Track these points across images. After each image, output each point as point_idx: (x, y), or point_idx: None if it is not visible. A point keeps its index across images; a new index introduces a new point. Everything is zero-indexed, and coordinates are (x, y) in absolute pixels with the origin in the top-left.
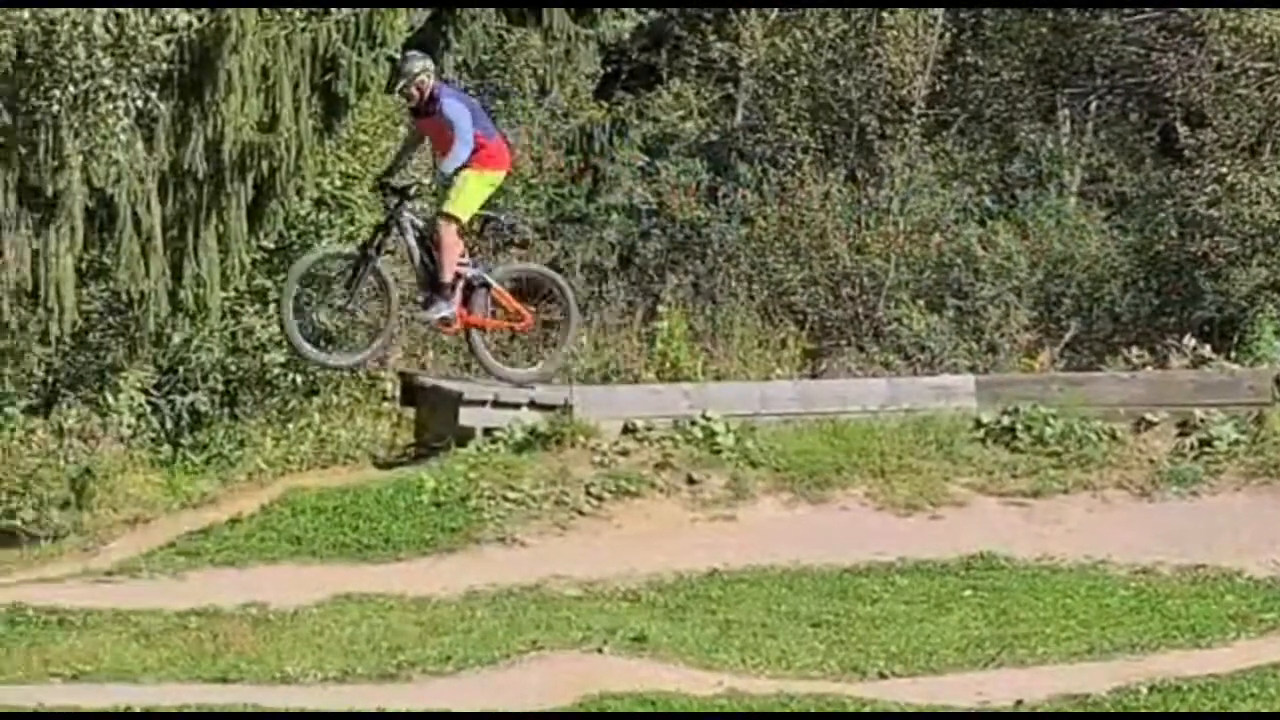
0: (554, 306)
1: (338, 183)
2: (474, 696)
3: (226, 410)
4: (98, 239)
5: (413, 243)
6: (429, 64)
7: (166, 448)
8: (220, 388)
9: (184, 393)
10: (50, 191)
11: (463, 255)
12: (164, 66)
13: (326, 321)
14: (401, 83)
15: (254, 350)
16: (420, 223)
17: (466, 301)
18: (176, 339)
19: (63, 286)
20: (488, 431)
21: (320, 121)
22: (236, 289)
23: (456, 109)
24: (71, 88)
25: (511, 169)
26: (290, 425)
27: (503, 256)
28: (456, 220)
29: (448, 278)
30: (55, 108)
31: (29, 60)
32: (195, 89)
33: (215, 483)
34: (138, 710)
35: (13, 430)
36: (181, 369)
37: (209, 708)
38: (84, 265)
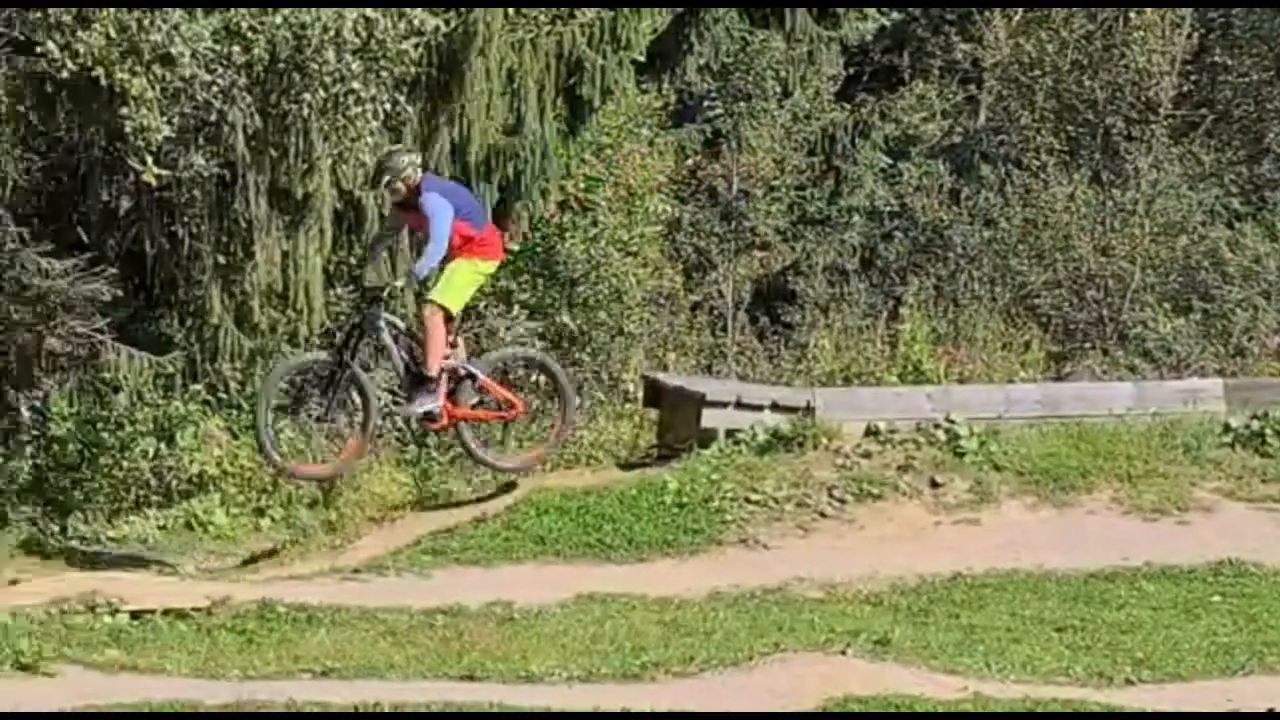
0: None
1: (581, 185)
2: (717, 698)
3: None
4: (346, 241)
5: (389, 342)
6: (415, 158)
7: (412, 447)
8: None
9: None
10: (300, 194)
11: (447, 346)
12: (412, 70)
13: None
14: (385, 178)
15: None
16: (398, 323)
17: (453, 394)
18: None
19: (312, 288)
20: (730, 433)
21: (564, 124)
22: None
23: (436, 205)
24: (321, 91)
25: (505, 257)
26: (533, 426)
27: (744, 258)
28: (444, 310)
29: (433, 370)
30: (305, 111)
31: (280, 64)
32: (442, 92)
33: (460, 482)
34: (386, 707)
35: None
36: None
37: (455, 706)
38: (331, 267)
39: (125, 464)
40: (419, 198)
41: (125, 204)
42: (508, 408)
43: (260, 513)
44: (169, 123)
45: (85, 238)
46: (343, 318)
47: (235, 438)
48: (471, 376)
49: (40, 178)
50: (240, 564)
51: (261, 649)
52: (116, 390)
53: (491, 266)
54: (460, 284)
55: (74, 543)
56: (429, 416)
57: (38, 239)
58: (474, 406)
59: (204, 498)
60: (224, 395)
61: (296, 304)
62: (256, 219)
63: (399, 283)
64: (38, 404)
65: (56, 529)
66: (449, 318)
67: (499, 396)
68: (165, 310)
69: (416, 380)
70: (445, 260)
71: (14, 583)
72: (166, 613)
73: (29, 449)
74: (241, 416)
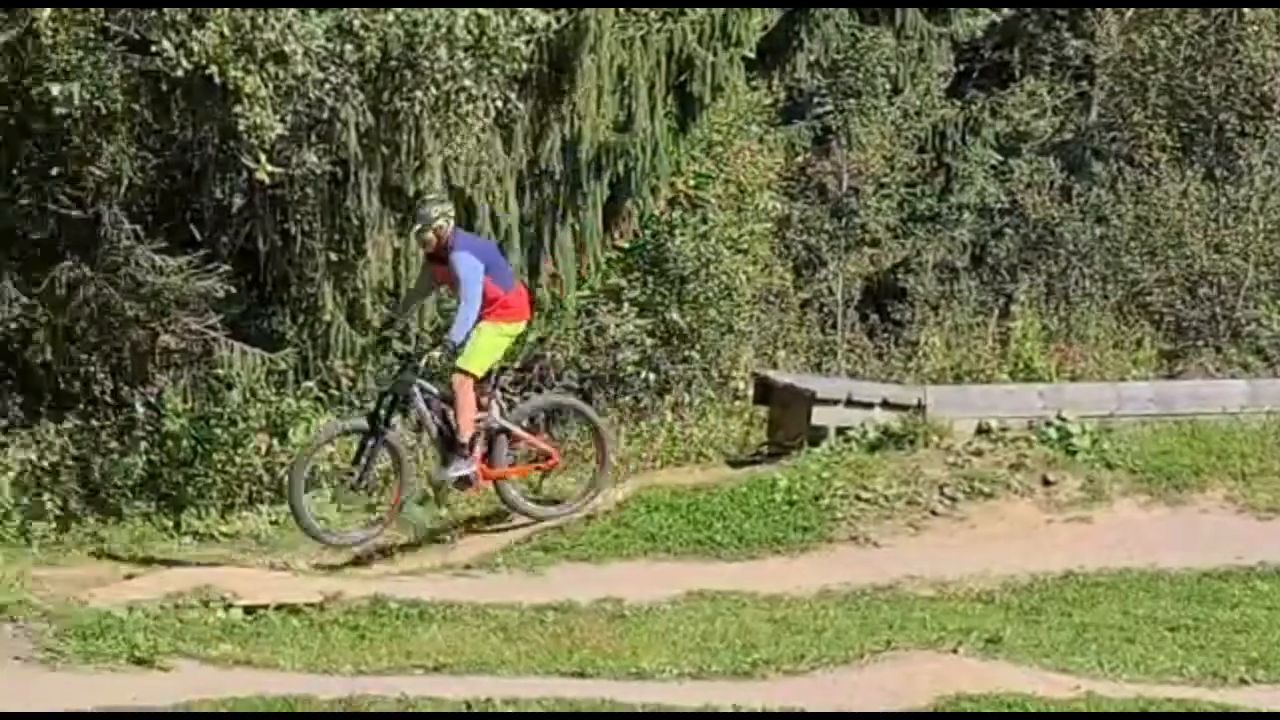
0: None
1: (691, 182)
2: (828, 695)
3: None
4: None
5: (423, 408)
6: (448, 209)
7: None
8: (575, 385)
9: (539, 390)
10: (411, 191)
11: (479, 409)
12: (523, 67)
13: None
14: (417, 227)
15: (607, 349)
16: (432, 388)
17: (488, 453)
18: (532, 337)
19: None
20: (841, 431)
21: (675, 121)
22: (591, 288)
23: (468, 265)
24: (433, 89)
25: (532, 317)
26: (643, 423)
27: (853, 255)
28: (471, 376)
29: (466, 437)
30: (417, 109)
31: (392, 62)
32: (553, 89)
33: (569, 480)
34: (498, 703)
35: None
36: (537, 367)
37: (566, 702)
38: None
39: (238, 460)
40: (450, 253)
41: (238, 201)
42: (544, 459)
43: (371, 509)
44: (282, 120)
45: (198, 235)
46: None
47: (346, 434)
48: (505, 432)
49: (154, 176)
50: (352, 560)
51: (374, 644)
52: (229, 386)
53: (518, 328)
54: (485, 348)
55: (187, 538)
56: (464, 481)
57: (152, 236)
58: (510, 462)
59: (316, 494)
60: (335, 392)
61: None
62: (368, 216)
63: (435, 353)
64: (152, 400)
65: (170, 524)
66: (478, 381)
67: (535, 448)
68: (278, 307)
69: (451, 444)
70: (476, 321)
71: (129, 577)
72: (279, 608)
73: (143, 445)
74: (353, 413)
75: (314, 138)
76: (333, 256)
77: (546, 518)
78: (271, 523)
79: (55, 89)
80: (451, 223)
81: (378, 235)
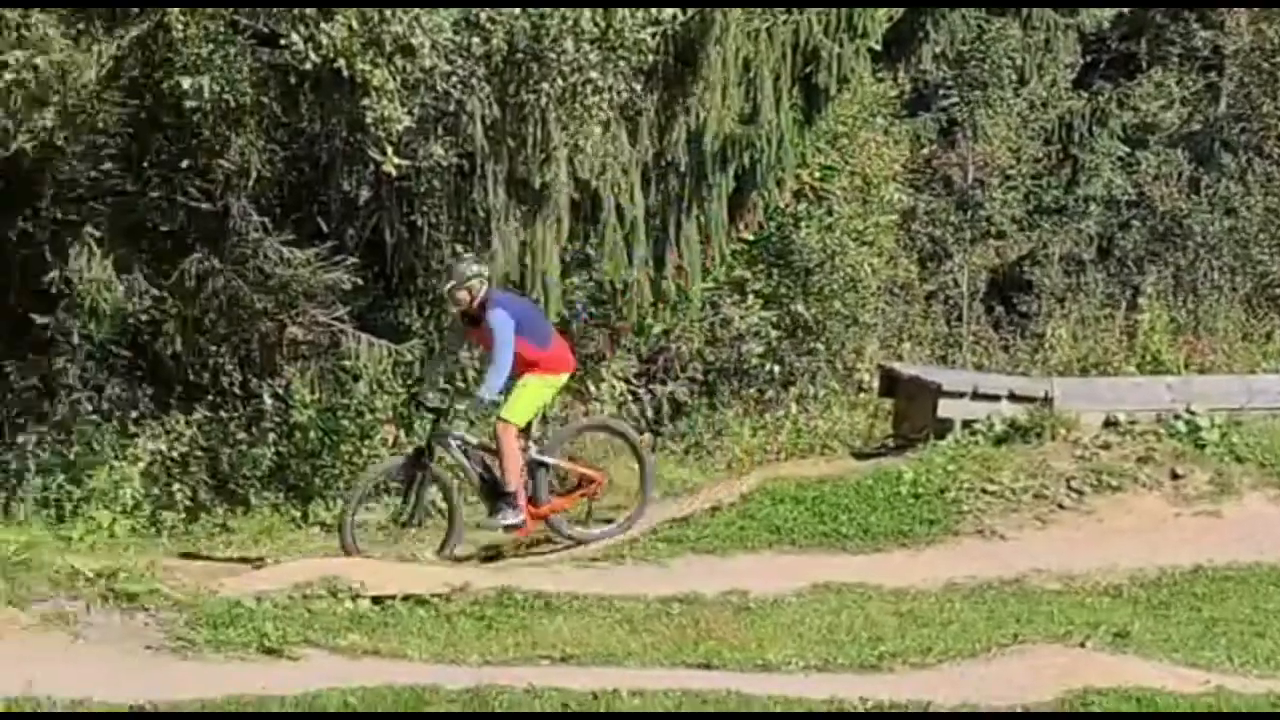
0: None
1: (816, 175)
2: (955, 689)
3: (705, 400)
4: (581, 230)
5: (462, 459)
6: (483, 269)
7: (647, 436)
8: (699, 377)
9: (664, 382)
10: (537, 184)
11: (522, 455)
12: (649, 59)
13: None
14: (450, 284)
15: (732, 341)
16: (469, 438)
17: (531, 488)
18: (657, 329)
19: (549, 277)
20: (966, 423)
21: (800, 113)
22: (715, 280)
23: (501, 326)
24: (559, 81)
25: (575, 367)
26: (767, 415)
27: (979, 247)
28: (514, 425)
29: (512, 487)
30: (543, 101)
31: (519, 54)
32: (679, 81)
33: (694, 471)
34: (624, 694)
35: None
36: (661, 358)
37: (693, 694)
38: (568, 256)
39: (365, 451)
40: (485, 312)
41: (365, 194)
42: (587, 484)
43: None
44: (409, 113)
45: (326, 227)
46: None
47: (472, 425)
48: (544, 465)
49: (282, 168)
50: (479, 551)
51: (500, 635)
52: (356, 378)
53: (563, 379)
54: (530, 398)
55: (315, 528)
56: (513, 528)
57: (280, 229)
58: (553, 494)
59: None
60: (462, 384)
61: (533, 292)
62: (494, 208)
63: (461, 405)
64: (280, 391)
65: (298, 515)
66: (521, 430)
67: (577, 475)
68: (404, 299)
69: (495, 490)
70: (515, 376)
71: (258, 567)
72: (406, 598)
73: (271, 436)
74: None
75: (440, 130)
76: (458, 248)
77: (590, 540)
78: (398, 513)
79: (186, 82)
80: (486, 283)
81: (503, 227)
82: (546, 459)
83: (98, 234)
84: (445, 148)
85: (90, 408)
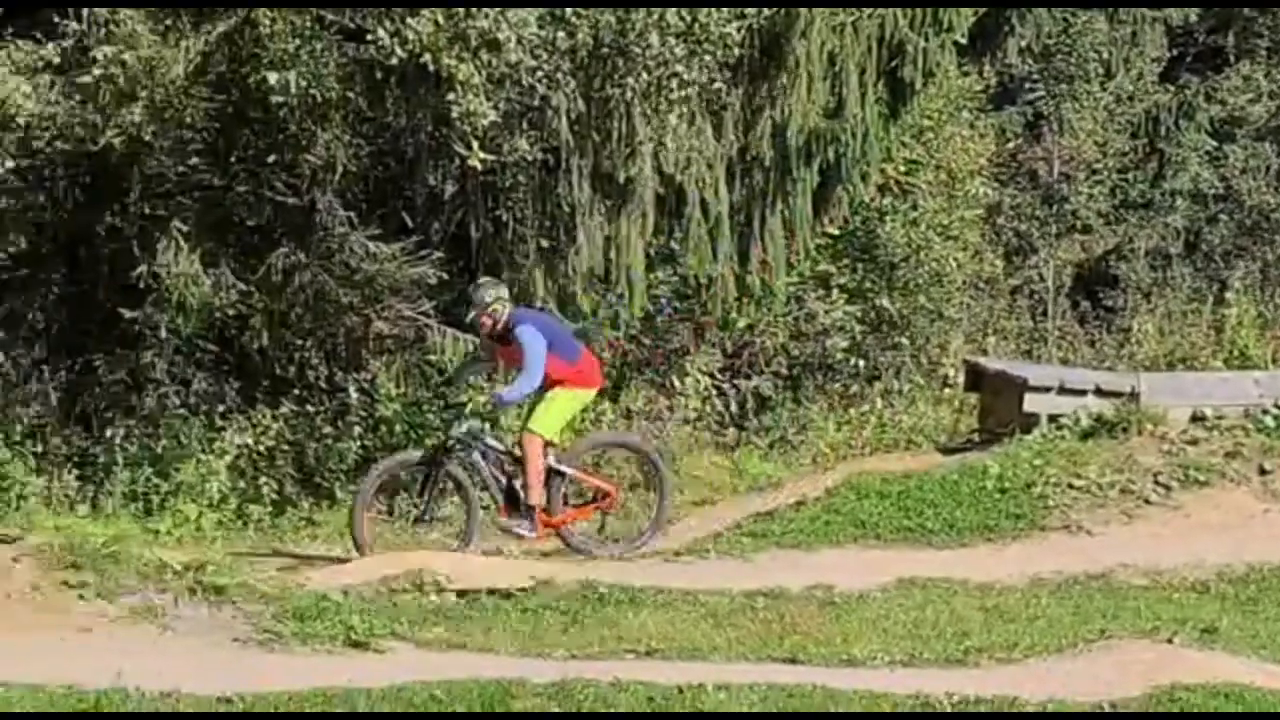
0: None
1: (901, 168)
2: (1042, 684)
3: (789, 394)
4: (666, 224)
5: (480, 461)
6: (502, 292)
7: (731, 431)
8: (784, 372)
9: (748, 377)
10: (622, 178)
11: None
12: (734, 53)
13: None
14: (472, 313)
15: (816, 335)
16: (494, 443)
17: (546, 496)
18: (741, 323)
19: (633, 271)
20: (1053, 418)
21: (885, 107)
22: (800, 274)
23: (531, 339)
24: (644, 75)
25: (603, 384)
26: (852, 410)
27: (1065, 242)
28: (541, 437)
29: (534, 500)
30: (628, 95)
31: (604, 49)
32: (763, 75)
33: (779, 466)
34: (710, 688)
35: (584, 411)
36: (746, 353)
37: (778, 687)
38: (652, 250)
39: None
40: (511, 331)
41: (450, 188)
42: (601, 497)
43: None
44: (494, 107)
45: (411, 222)
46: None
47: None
48: (560, 474)
49: (368, 163)
50: (563, 546)
51: (585, 629)
52: (441, 372)
53: (590, 395)
54: (559, 412)
55: (399, 522)
56: (522, 536)
57: (365, 223)
58: (566, 506)
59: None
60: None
61: (618, 287)
62: (579, 202)
63: (482, 398)
64: (365, 385)
65: (383, 508)
66: (547, 443)
67: (592, 487)
68: None
69: (513, 496)
70: (545, 389)
71: (343, 561)
72: (491, 592)
73: (357, 430)
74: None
75: (525, 124)
76: (543, 243)
77: (601, 555)
78: (483, 508)
79: (272, 77)
80: (508, 306)
81: (588, 221)
82: (564, 468)
83: (185, 229)
84: (530, 142)
85: (177, 402)
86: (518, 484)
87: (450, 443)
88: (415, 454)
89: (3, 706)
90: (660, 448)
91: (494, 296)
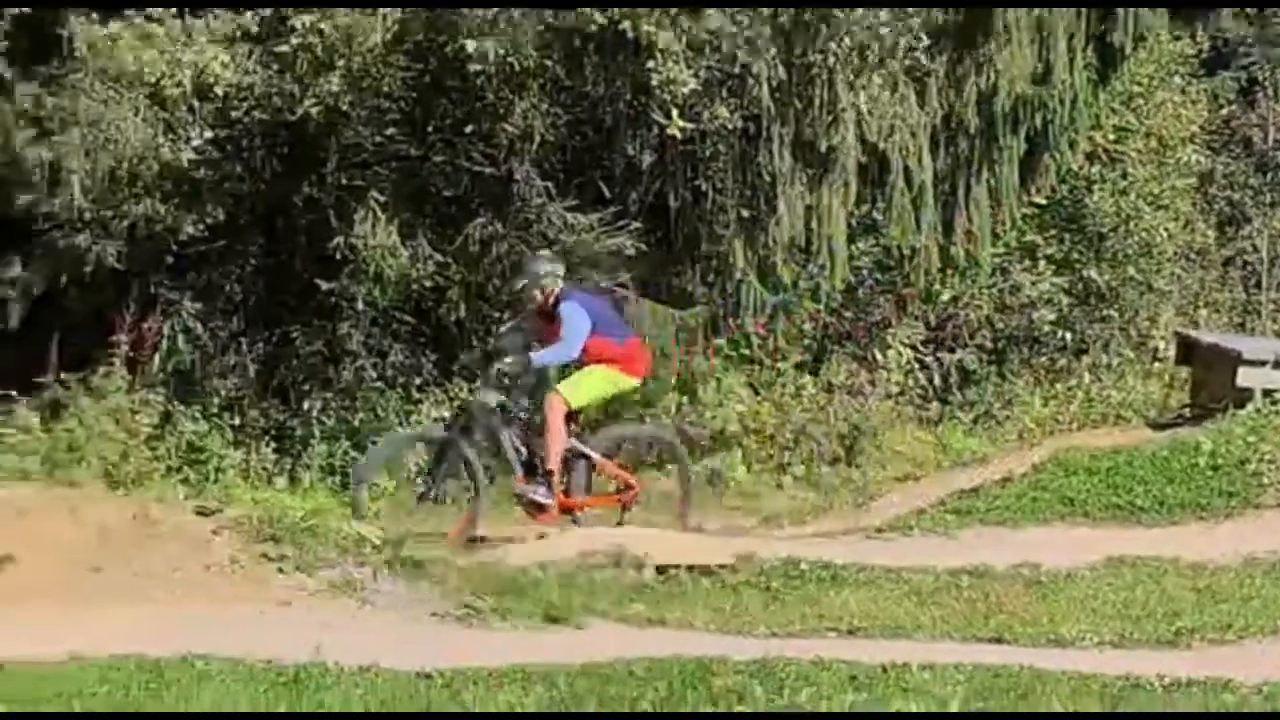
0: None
1: (1110, 136)
2: (1257, 666)
3: (994, 368)
4: (868, 194)
5: (498, 425)
6: (557, 267)
7: (934, 405)
8: (989, 345)
9: (952, 350)
10: (824, 147)
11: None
12: (939, 18)
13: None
14: (523, 283)
15: (1022, 308)
16: (513, 408)
17: (566, 479)
18: (945, 295)
19: (835, 242)
20: (1268, 393)
21: (1094, 73)
22: (1006, 245)
23: (573, 312)
24: (848, 40)
25: (647, 375)
26: (1058, 384)
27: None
28: (567, 404)
29: (553, 464)
30: (830, 61)
31: (807, 15)
32: (968, 41)
33: (984, 441)
34: (914, 667)
35: (784, 385)
36: (949, 326)
37: (984, 668)
38: (854, 221)
39: (649, 419)
40: (557, 308)
41: (649, 158)
42: (624, 489)
43: (782, 469)
44: (694, 75)
45: (609, 192)
46: (862, 271)
47: (757, 393)
48: (586, 458)
49: (565, 132)
50: (761, 520)
51: (786, 606)
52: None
53: (630, 383)
54: (591, 386)
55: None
56: (537, 506)
57: (563, 193)
58: (589, 492)
59: (726, 454)
60: (745, 350)
61: (819, 258)
62: (780, 172)
63: (509, 358)
64: None
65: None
66: (571, 414)
67: (616, 478)
68: (687, 264)
69: (531, 465)
70: (582, 364)
71: (542, 536)
72: (691, 568)
73: None
74: (763, 372)
75: (725, 92)
76: (743, 213)
77: None
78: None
79: (470, 45)
80: (561, 282)
81: (789, 191)
82: (589, 451)
83: (382, 199)
84: (730, 110)
85: (374, 374)
86: (540, 451)
87: (473, 415)
88: (435, 429)
89: (204, 679)
90: (684, 437)
91: (547, 270)
